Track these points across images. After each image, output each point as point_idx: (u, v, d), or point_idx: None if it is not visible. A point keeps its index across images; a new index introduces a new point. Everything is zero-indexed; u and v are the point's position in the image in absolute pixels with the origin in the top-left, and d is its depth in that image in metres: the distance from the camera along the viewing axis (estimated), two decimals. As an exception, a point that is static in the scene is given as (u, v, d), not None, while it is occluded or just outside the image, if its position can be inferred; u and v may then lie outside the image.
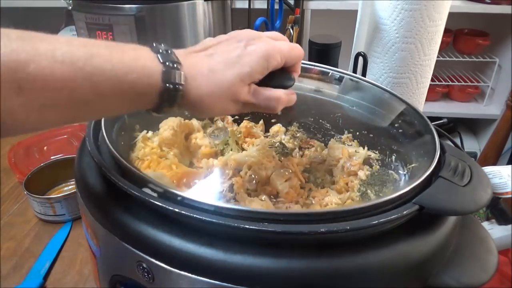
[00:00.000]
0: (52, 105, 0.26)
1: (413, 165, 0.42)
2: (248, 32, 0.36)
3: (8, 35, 0.25)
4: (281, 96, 0.36)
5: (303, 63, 0.54)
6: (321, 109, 0.54)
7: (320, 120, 0.53)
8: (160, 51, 0.31)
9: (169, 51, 0.31)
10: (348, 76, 0.53)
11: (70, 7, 0.71)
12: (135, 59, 0.29)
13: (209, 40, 0.36)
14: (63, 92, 0.26)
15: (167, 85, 0.30)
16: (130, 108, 0.31)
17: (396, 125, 0.47)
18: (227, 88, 0.33)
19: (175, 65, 0.31)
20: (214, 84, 0.32)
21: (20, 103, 0.25)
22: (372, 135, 0.50)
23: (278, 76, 0.36)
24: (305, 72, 0.54)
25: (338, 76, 0.53)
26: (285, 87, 0.37)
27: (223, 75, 0.33)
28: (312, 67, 0.54)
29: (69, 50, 0.26)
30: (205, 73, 0.32)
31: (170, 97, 0.31)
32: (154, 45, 0.31)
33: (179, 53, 0.32)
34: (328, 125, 0.52)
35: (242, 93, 0.34)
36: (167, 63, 0.30)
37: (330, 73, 0.54)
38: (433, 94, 1.68)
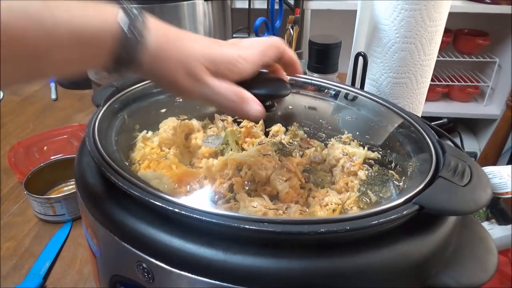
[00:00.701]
0: (8, 60, 0.25)
1: (413, 165, 0.42)
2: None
3: None
4: (253, 100, 0.34)
5: (300, 77, 0.55)
6: (321, 110, 0.54)
7: (320, 120, 0.53)
8: (126, 6, 0.30)
9: (137, 10, 0.31)
10: (344, 91, 0.53)
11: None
12: (98, 10, 0.29)
13: None
14: (18, 45, 0.25)
15: (127, 33, 0.29)
16: (89, 62, 0.31)
17: (396, 127, 0.47)
18: (187, 57, 0.32)
19: (139, 18, 0.30)
20: (176, 48, 0.31)
21: None
22: (370, 136, 0.50)
23: (272, 85, 0.36)
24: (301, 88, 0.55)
25: (334, 93, 0.54)
26: (280, 96, 0.36)
27: (190, 45, 0.32)
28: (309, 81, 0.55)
29: (24, 3, 0.26)
30: (171, 37, 0.32)
31: (128, 48, 0.29)
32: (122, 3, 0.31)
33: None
34: (328, 125, 0.52)
35: (203, 72, 0.32)
36: (130, 15, 0.30)
37: (325, 90, 0.54)
38: (433, 94, 1.68)
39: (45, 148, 0.76)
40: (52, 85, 1.08)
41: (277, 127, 0.53)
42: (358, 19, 0.68)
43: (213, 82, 0.33)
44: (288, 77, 0.57)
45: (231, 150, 0.47)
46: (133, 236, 0.31)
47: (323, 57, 0.68)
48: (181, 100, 0.53)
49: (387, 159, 0.46)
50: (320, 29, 1.51)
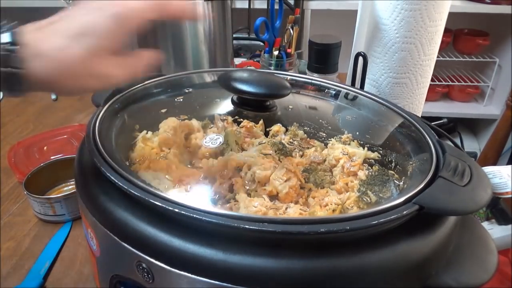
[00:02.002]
0: None
1: (413, 165, 0.42)
2: None
3: None
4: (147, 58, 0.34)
5: (300, 77, 0.55)
6: (321, 109, 0.54)
7: (320, 120, 0.53)
8: None
9: (12, 31, 0.30)
10: (344, 91, 0.53)
11: (70, 7, 0.71)
12: None
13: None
14: None
15: (3, 69, 0.28)
16: None
17: (396, 127, 0.47)
18: (79, 65, 0.31)
19: (12, 48, 0.29)
20: (63, 64, 0.30)
21: None
22: (370, 136, 0.50)
23: (272, 85, 0.36)
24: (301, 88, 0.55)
25: (334, 92, 0.54)
26: (280, 96, 0.36)
27: (70, 52, 0.30)
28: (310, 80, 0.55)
29: None
30: (50, 52, 0.30)
31: (10, 82, 0.29)
32: None
33: (27, 29, 0.30)
34: (328, 125, 0.52)
35: (102, 67, 0.32)
36: (3, 47, 0.29)
37: (325, 90, 0.54)
38: (433, 94, 1.68)
39: (45, 148, 0.76)
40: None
41: (277, 127, 0.53)
42: (359, 19, 0.68)
43: (117, 71, 0.33)
44: (288, 77, 0.57)
45: (231, 150, 0.47)
46: (133, 236, 0.31)
47: (323, 57, 0.68)
48: (181, 100, 0.53)
49: (387, 159, 0.46)
50: (320, 29, 1.51)
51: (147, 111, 0.50)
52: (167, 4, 0.34)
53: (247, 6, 1.37)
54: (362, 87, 0.66)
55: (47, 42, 0.30)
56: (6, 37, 0.29)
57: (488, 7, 1.43)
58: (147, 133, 0.47)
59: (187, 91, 0.55)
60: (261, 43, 1.05)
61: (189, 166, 0.46)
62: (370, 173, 0.44)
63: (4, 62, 0.29)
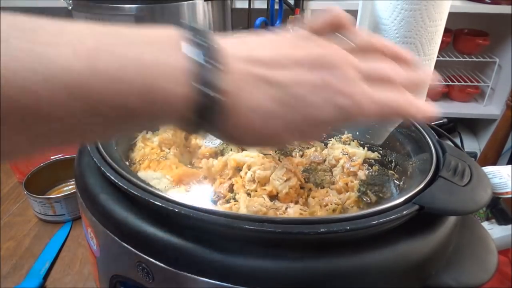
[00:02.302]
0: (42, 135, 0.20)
1: (413, 165, 0.42)
2: (335, 53, 0.25)
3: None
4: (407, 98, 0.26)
5: None
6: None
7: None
8: (192, 38, 0.21)
9: (206, 41, 0.22)
10: None
11: (70, 7, 0.71)
12: (154, 58, 0.20)
13: (274, 39, 0.25)
14: (55, 122, 0.19)
15: (200, 88, 0.21)
16: (148, 126, 0.26)
17: (396, 127, 0.47)
18: (284, 137, 0.24)
19: (212, 62, 0.21)
20: (263, 135, 0.24)
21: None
22: (370, 136, 0.50)
23: None
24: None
25: None
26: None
27: (275, 124, 0.23)
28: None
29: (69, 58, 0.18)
30: (253, 116, 0.23)
31: (203, 109, 0.21)
32: (184, 30, 0.22)
33: (228, 53, 0.22)
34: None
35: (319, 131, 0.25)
36: (201, 61, 0.21)
37: None
38: (433, 94, 1.68)
39: (45, 148, 0.76)
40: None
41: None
42: (359, 19, 0.68)
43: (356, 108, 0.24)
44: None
45: (231, 150, 0.47)
46: (133, 236, 0.31)
47: (323, 57, 0.68)
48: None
49: (387, 159, 0.46)
50: (320, 29, 1.51)
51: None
52: (408, 108, 0.26)
53: (247, 6, 1.37)
54: (362, 87, 0.66)
55: (252, 96, 0.22)
56: (196, 54, 0.21)
57: (488, 7, 1.43)
58: (147, 133, 0.47)
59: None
60: (261, 43, 1.05)
61: (189, 166, 0.46)
62: (370, 173, 0.44)
63: (198, 77, 0.21)
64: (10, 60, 0.17)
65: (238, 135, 0.24)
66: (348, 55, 0.25)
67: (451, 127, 1.67)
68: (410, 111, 0.26)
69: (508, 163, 1.24)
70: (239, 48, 0.23)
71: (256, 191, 0.42)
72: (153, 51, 0.21)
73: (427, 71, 0.29)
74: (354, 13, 0.71)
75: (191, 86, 0.21)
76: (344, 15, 0.28)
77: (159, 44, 0.21)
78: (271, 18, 0.79)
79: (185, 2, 0.71)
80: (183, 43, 0.21)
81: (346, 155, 0.47)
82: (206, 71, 0.21)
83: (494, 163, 1.11)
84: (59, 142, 0.21)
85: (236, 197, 0.40)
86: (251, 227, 0.28)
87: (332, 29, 0.28)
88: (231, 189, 0.42)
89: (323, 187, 0.44)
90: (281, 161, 0.45)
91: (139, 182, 0.32)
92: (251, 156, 0.44)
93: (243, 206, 0.39)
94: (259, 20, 0.75)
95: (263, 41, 0.25)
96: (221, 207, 0.40)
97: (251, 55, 0.23)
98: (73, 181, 0.46)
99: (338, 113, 0.24)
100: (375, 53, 0.28)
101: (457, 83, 1.66)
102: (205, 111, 0.21)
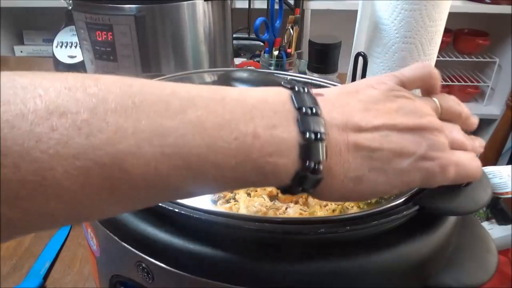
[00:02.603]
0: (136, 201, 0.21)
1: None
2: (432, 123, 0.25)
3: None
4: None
5: (300, 77, 0.54)
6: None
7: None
8: (304, 109, 0.22)
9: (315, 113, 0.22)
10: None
11: (70, 7, 0.71)
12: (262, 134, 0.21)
13: (379, 103, 0.25)
14: (153, 192, 0.20)
15: (306, 164, 0.22)
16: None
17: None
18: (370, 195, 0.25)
19: (318, 136, 0.22)
20: (347, 195, 0.25)
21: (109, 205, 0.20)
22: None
23: (270, 85, 0.34)
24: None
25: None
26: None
27: (361, 188, 0.24)
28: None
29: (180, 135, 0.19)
30: (341, 182, 0.24)
31: (302, 178, 0.23)
32: (294, 97, 0.23)
33: (329, 123, 0.23)
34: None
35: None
36: (308, 134, 0.22)
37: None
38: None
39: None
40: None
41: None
42: (359, 19, 0.68)
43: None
44: (288, 77, 0.57)
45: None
46: (133, 236, 0.31)
47: (323, 57, 0.68)
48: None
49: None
50: (320, 29, 1.51)
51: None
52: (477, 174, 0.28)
53: (247, 6, 1.37)
54: (362, 87, 0.66)
55: (348, 165, 0.23)
56: (307, 127, 0.22)
57: (488, 7, 1.43)
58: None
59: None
60: (261, 43, 1.05)
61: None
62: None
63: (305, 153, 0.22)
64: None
65: (327, 196, 0.25)
66: (442, 125, 0.26)
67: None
68: (478, 176, 0.28)
69: (508, 163, 1.24)
70: (336, 112, 0.24)
71: (256, 191, 0.42)
72: (268, 125, 0.21)
73: (482, 142, 0.31)
74: (354, 13, 0.71)
75: (297, 159, 0.22)
76: (436, 75, 0.28)
77: (272, 114, 0.22)
78: (271, 18, 0.79)
79: (185, 2, 0.71)
80: (296, 115, 0.22)
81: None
82: (312, 145, 0.22)
83: (494, 163, 1.11)
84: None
85: (236, 197, 0.40)
86: (251, 227, 0.28)
87: (421, 86, 0.29)
88: (231, 189, 0.42)
89: (323, 187, 0.44)
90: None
91: (139, 182, 0.32)
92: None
93: (243, 206, 0.39)
94: (259, 20, 0.74)
95: (358, 101, 0.25)
96: (221, 207, 0.40)
97: (348, 121, 0.24)
98: (73, 181, 0.46)
99: (425, 179, 0.25)
100: (455, 119, 0.29)
101: (457, 83, 1.66)
102: (303, 180, 0.22)
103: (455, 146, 0.27)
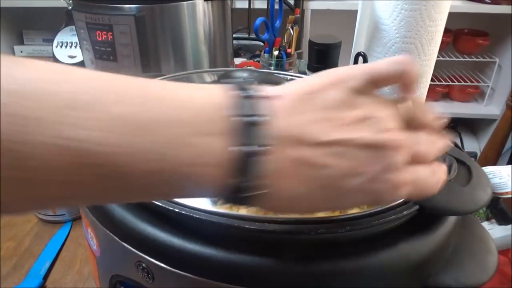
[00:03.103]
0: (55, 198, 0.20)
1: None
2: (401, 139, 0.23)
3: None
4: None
5: (301, 77, 0.54)
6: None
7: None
8: (243, 115, 0.20)
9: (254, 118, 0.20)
10: None
11: (70, 7, 0.71)
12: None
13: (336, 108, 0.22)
14: (68, 188, 0.19)
15: (238, 179, 0.20)
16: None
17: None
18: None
19: (256, 149, 0.20)
20: (293, 210, 0.24)
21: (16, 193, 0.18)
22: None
23: (270, 85, 0.34)
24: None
25: None
26: None
27: (305, 205, 0.24)
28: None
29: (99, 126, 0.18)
30: (284, 200, 0.22)
31: (239, 191, 0.21)
32: (237, 103, 0.21)
33: (276, 126, 0.21)
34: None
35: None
36: (245, 148, 0.20)
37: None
38: (433, 94, 1.68)
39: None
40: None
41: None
42: (359, 19, 0.68)
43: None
44: (288, 77, 0.57)
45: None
46: (133, 236, 0.31)
47: (323, 57, 0.68)
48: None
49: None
50: (320, 29, 1.51)
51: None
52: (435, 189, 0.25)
53: (247, 6, 1.37)
54: (362, 87, 0.66)
55: (293, 181, 0.22)
56: (244, 139, 0.20)
57: (488, 7, 1.43)
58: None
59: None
60: (261, 43, 1.05)
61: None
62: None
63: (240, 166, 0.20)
64: None
65: (270, 209, 0.24)
66: (403, 141, 0.23)
67: (451, 127, 1.67)
68: (435, 192, 0.25)
69: (508, 163, 1.24)
70: (288, 122, 0.21)
71: (256, 191, 0.42)
72: (194, 132, 0.20)
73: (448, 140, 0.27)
74: (354, 13, 0.71)
75: (227, 173, 0.20)
76: (412, 74, 0.24)
77: (203, 121, 0.20)
78: (271, 18, 0.79)
79: (185, 2, 0.71)
80: (233, 124, 0.20)
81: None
82: (250, 158, 0.20)
83: (494, 163, 1.11)
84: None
85: (236, 197, 0.40)
86: (251, 227, 0.28)
87: (396, 83, 0.25)
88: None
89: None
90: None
91: (139, 182, 0.32)
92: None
93: (243, 206, 0.39)
94: (259, 20, 0.74)
95: (315, 107, 0.22)
96: (221, 207, 0.40)
97: (298, 135, 0.21)
98: (73, 181, 0.46)
99: (375, 199, 0.24)
100: (423, 126, 0.25)
101: (457, 83, 1.66)
102: (241, 193, 0.21)
103: (417, 160, 0.24)
